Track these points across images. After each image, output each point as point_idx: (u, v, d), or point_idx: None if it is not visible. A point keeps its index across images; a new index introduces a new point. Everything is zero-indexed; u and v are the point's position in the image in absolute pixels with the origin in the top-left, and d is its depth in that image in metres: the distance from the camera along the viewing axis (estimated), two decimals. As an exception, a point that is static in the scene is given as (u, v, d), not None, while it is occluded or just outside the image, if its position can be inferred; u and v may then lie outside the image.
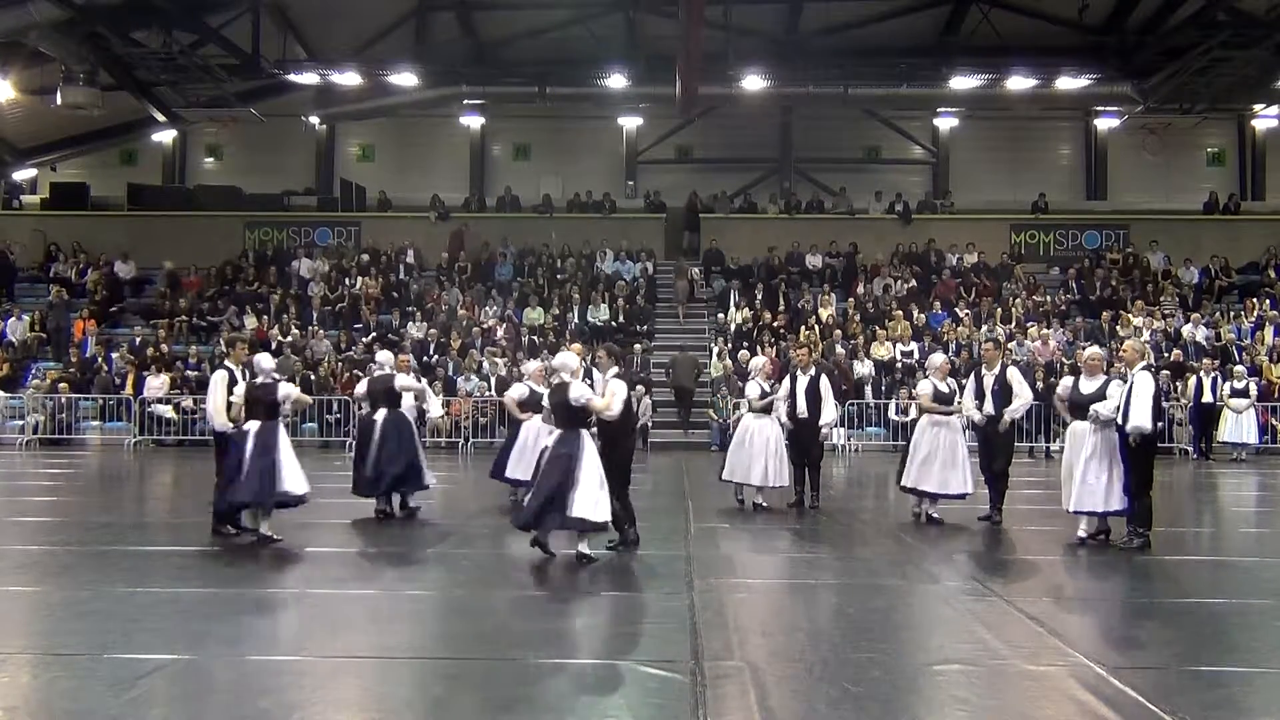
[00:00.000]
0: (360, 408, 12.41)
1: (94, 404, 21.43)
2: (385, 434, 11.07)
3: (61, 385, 21.29)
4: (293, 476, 9.47)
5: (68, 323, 23.81)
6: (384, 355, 12.20)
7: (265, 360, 10.08)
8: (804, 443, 11.94)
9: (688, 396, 21.66)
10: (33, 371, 22.59)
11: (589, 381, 9.23)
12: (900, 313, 23.78)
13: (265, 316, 23.83)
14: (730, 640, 6.28)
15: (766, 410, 12.04)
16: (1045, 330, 23.05)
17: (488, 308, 24.44)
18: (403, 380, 11.60)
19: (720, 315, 24.71)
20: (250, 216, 27.71)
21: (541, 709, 5.09)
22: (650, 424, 20.93)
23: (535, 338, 23.24)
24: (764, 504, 11.96)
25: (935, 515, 11.12)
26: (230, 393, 9.99)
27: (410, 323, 23.63)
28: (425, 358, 21.77)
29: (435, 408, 13.96)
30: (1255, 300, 23.98)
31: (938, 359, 12.20)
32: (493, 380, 21.40)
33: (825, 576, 8.89)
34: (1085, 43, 24.38)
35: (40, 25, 20.07)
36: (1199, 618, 7.15)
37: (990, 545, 10.01)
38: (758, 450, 11.76)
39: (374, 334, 23.19)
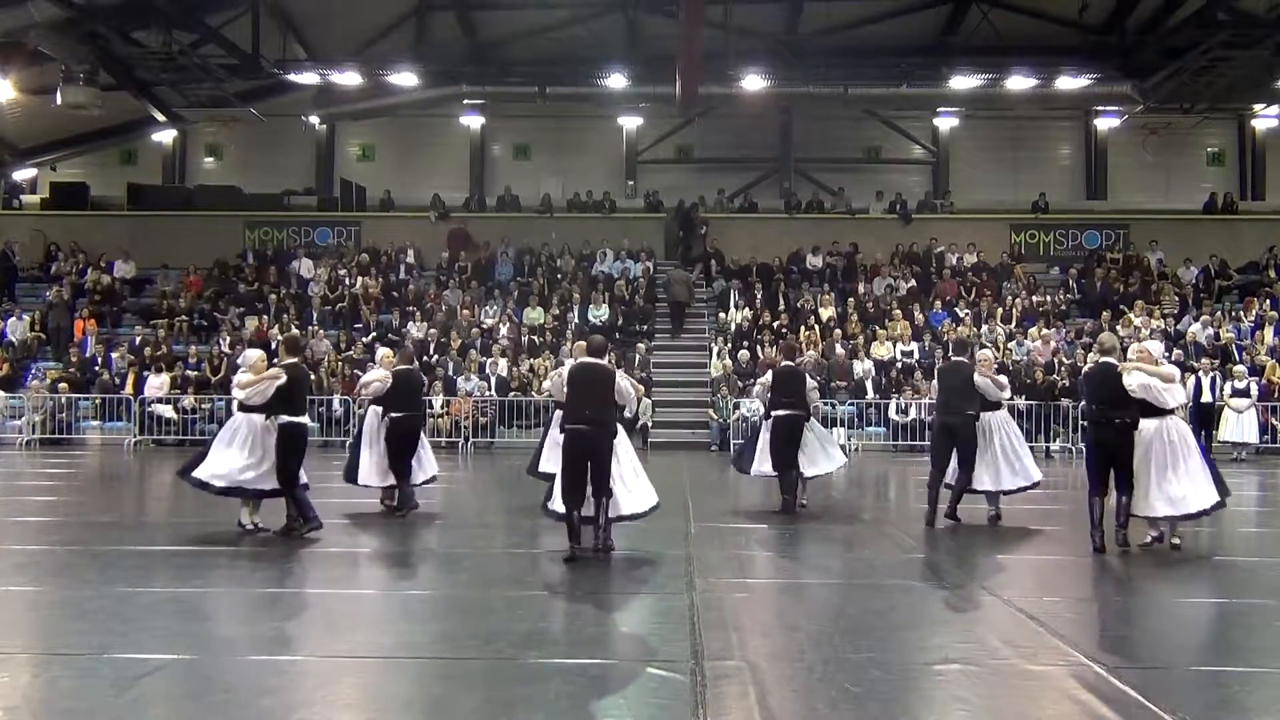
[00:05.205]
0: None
1: (94, 404, 21.44)
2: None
3: (61, 385, 21.29)
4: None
5: (68, 323, 23.81)
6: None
7: (252, 354, 10.41)
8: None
9: (681, 310, 24.29)
10: (33, 371, 22.58)
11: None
12: (900, 312, 23.78)
13: (265, 316, 23.82)
14: (730, 640, 6.28)
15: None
16: (1045, 330, 23.05)
17: (488, 308, 24.45)
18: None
19: (720, 315, 24.72)
20: (250, 216, 27.69)
21: (541, 709, 5.08)
22: (650, 424, 20.94)
23: (535, 338, 23.25)
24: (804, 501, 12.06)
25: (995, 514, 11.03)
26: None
27: (410, 323, 23.63)
28: (425, 357, 21.77)
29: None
30: (1255, 300, 23.97)
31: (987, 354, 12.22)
32: (493, 380, 21.43)
33: (825, 576, 8.89)
34: (1085, 42, 24.38)
35: (40, 25, 20.08)
36: (1199, 618, 7.15)
37: (990, 545, 10.00)
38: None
39: (374, 334, 23.20)
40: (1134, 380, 9.12)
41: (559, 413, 10.58)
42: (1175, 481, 9.10)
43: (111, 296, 25.24)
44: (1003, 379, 11.22)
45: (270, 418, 9.80)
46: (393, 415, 11.47)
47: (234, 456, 9.78)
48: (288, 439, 9.78)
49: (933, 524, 10.69)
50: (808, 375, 12.25)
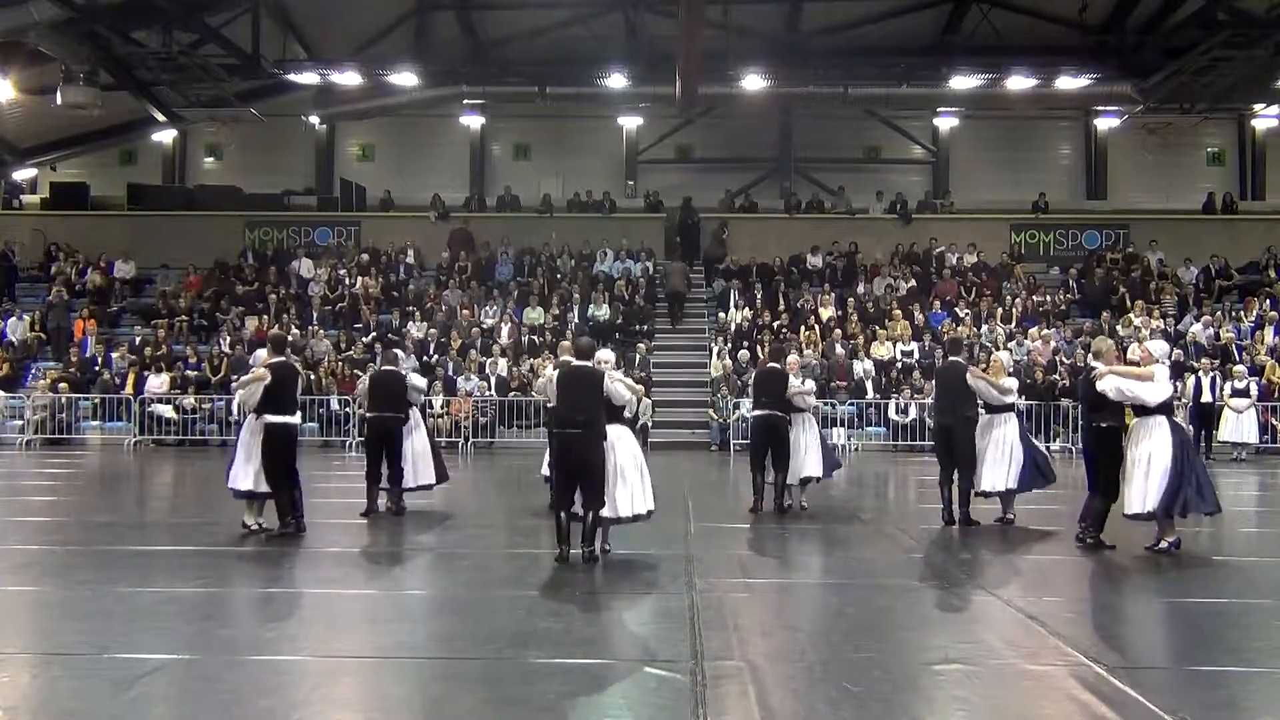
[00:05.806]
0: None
1: (94, 404, 21.43)
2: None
3: (61, 385, 21.28)
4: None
5: (68, 323, 23.80)
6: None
7: (262, 354, 10.37)
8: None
9: (679, 300, 25.12)
10: (33, 371, 22.59)
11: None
12: (900, 312, 23.78)
13: (265, 316, 23.81)
14: (730, 640, 6.28)
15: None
16: (1045, 330, 23.05)
17: (488, 308, 24.44)
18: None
19: (720, 315, 24.72)
20: (250, 216, 27.68)
21: (541, 709, 5.09)
22: (650, 424, 20.94)
23: (535, 338, 23.25)
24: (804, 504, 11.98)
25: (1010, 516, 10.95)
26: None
27: (410, 323, 23.63)
28: (425, 357, 21.77)
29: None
30: (1255, 300, 23.96)
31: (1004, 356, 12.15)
32: (493, 380, 21.43)
33: (825, 576, 8.89)
34: (1085, 42, 24.35)
35: (40, 25, 20.06)
36: (1199, 618, 7.15)
37: (990, 545, 10.00)
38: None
39: (374, 334, 23.20)
40: (1107, 385, 9.12)
41: None
42: (1135, 481, 9.07)
43: (106, 296, 25.22)
44: (1007, 383, 11.02)
45: (259, 418, 9.80)
46: (367, 416, 11.39)
47: (248, 461, 9.80)
48: (271, 438, 9.72)
49: (951, 521, 10.70)
50: (791, 376, 12.07)
